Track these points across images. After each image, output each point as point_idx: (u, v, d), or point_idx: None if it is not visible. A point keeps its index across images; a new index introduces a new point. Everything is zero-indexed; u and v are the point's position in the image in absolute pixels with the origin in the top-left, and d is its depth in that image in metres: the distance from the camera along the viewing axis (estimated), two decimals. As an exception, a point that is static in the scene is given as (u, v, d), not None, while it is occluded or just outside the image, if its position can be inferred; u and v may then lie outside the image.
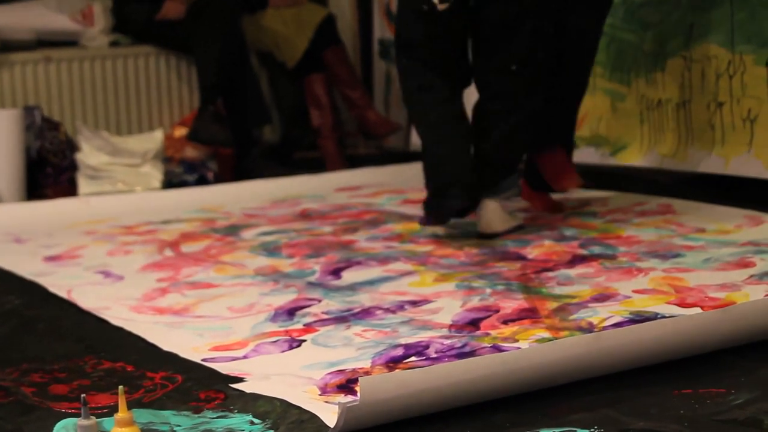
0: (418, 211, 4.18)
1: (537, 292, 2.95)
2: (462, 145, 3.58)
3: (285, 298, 3.04)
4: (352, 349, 2.56)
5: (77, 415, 2.05)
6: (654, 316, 2.63)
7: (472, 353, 2.45)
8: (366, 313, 2.85)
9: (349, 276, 3.26)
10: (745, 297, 2.77)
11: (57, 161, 4.93)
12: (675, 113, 4.24)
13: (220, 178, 5.13)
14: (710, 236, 3.47)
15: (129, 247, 3.80)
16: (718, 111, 4.05)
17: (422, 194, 4.50)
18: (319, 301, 3.00)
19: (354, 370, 2.39)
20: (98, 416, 2.08)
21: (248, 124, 5.36)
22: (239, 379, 2.37)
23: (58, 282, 3.34)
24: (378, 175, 5.04)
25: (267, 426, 2.09)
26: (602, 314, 2.70)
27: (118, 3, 5.45)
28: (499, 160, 3.62)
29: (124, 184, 4.91)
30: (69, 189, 4.90)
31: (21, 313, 3.03)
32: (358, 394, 1.99)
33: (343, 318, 2.82)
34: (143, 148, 4.98)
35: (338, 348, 2.58)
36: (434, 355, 2.47)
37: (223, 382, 2.36)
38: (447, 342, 2.55)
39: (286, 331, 2.73)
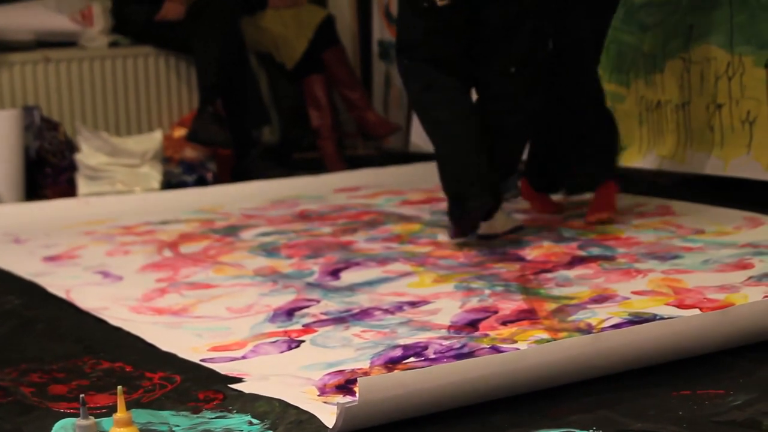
0: (417, 211, 4.19)
1: (536, 293, 2.95)
2: (475, 145, 3.51)
3: (284, 298, 3.04)
4: (350, 349, 2.56)
5: (76, 415, 2.05)
6: (653, 318, 2.63)
7: (470, 354, 2.45)
8: (365, 313, 2.85)
9: (348, 277, 3.26)
10: (744, 298, 2.77)
11: (56, 161, 4.92)
12: (674, 115, 4.24)
13: (219, 179, 5.13)
14: (709, 238, 3.47)
15: (128, 248, 3.80)
16: (718, 112, 4.05)
17: (421, 195, 4.52)
18: (318, 301, 3.00)
19: (353, 371, 2.39)
20: (97, 416, 2.08)
21: (247, 124, 5.36)
22: (238, 380, 2.37)
23: (57, 282, 3.34)
24: (377, 176, 5.04)
25: (266, 426, 2.09)
26: (601, 315, 2.70)
27: (117, 3, 5.45)
28: (499, 161, 3.61)
29: (123, 184, 4.91)
30: (68, 189, 4.90)
31: (20, 314, 3.03)
32: (357, 394, 1.99)
33: (341, 319, 2.82)
34: (142, 148, 4.98)
35: (337, 348, 2.58)
36: (433, 356, 2.47)
37: (221, 382, 2.36)
38: (446, 343, 2.55)
39: (285, 332, 2.73)
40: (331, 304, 2.96)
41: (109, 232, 4.08)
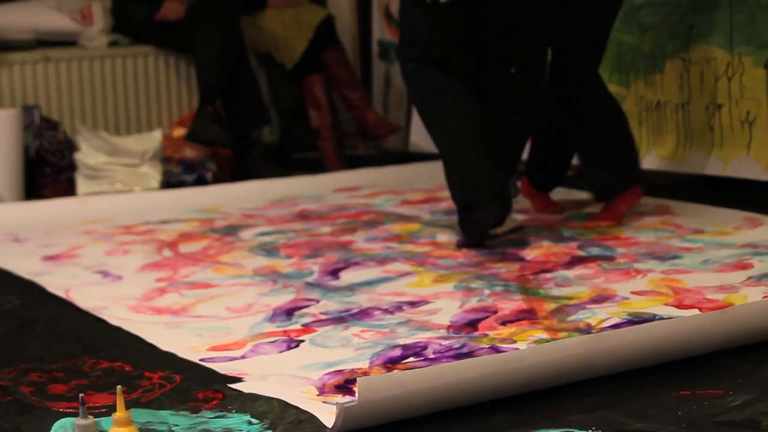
0: (416, 211, 4.19)
1: (535, 293, 2.96)
2: (484, 151, 3.47)
3: (283, 298, 3.04)
4: (350, 349, 2.56)
5: (75, 415, 2.05)
6: (652, 318, 2.63)
7: (470, 354, 2.45)
8: (364, 313, 2.85)
9: (347, 276, 3.26)
10: (743, 299, 2.77)
11: (56, 161, 4.92)
12: (674, 115, 4.25)
13: (219, 179, 5.13)
14: (709, 238, 3.47)
15: (127, 247, 3.80)
16: (717, 113, 4.05)
17: (421, 195, 4.52)
18: (318, 301, 3.00)
19: (352, 371, 2.39)
20: (96, 416, 2.08)
21: (247, 124, 5.36)
22: (237, 379, 2.37)
23: (57, 282, 3.34)
24: (377, 176, 5.04)
25: (265, 426, 2.09)
26: (600, 315, 2.70)
27: (117, 3, 5.45)
28: (498, 160, 3.61)
29: (122, 184, 4.91)
30: (67, 189, 4.90)
31: (20, 313, 3.03)
32: (356, 394, 1.99)
33: (341, 318, 2.82)
34: (142, 148, 4.98)
35: (336, 348, 2.58)
36: (432, 356, 2.47)
37: (221, 382, 2.36)
38: (445, 343, 2.55)
39: (285, 332, 2.74)
40: (331, 304, 2.96)
41: (109, 232, 4.08)
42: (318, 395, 2.25)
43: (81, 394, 2.03)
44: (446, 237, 3.69)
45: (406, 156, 5.50)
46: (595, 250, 3.39)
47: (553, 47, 3.71)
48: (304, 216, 4.23)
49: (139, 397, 2.27)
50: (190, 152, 5.17)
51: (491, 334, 2.62)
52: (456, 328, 2.68)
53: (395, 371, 2.33)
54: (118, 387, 2.00)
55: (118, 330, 2.83)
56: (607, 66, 4.45)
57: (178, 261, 3.56)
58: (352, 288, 3.12)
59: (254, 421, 2.12)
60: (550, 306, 2.81)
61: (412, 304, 2.92)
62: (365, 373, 2.36)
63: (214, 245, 3.77)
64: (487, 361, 2.17)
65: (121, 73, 5.44)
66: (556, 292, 2.96)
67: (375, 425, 2.03)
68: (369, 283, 3.16)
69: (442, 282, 3.13)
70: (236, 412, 2.17)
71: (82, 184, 4.88)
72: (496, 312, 2.79)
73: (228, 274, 3.35)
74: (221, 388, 2.32)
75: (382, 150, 5.79)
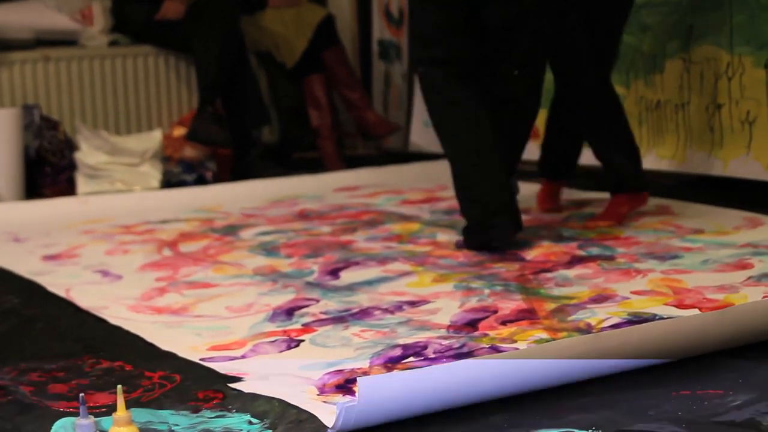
0: (416, 211, 4.19)
1: (535, 293, 2.96)
2: (499, 169, 3.45)
3: (283, 298, 3.04)
4: (350, 349, 2.56)
5: (76, 415, 2.05)
6: (652, 318, 2.63)
7: (470, 354, 2.45)
8: (364, 313, 2.85)
9: (347, 276, 3.26)
10: (744, 298, 2.77)
11: (56, 160, 4.93)
12: (674, 115, 4.25)
13: (219, 178, 5.13)
14: (709, 238, 3.47)
15: (127, 247, 3.80)
16: (717, 113, 4.05)
17: (421, 194, 4.52)
18: (318, 301, 3.00)
19: (352, 370, 2.39)
20: (97, 415, 2.08)
21: (247, 124, 5.36)
22: (237, 379, 2.37)
23: (57, 281, 3.34)
24: (377, 176, 5.04)
25: (265, 426, 2.09)
26: (600, 315, 2.70)
27: (117, 3, 5.45)
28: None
29: (122, 183, 4.91)
30: (67, 188, 4.90)
31: (19, 312, 3.03)
32: (357, 394, 1.99)
33: (341, 318, 2.82)
34: (142, 147, 4.99)
35: (336, 348, 2.58)
36: (432, 356, 2.47)
37: (221, 381, 2.36)
38: (445, 342, 2.55)
39: (285, 331, 2.73)
40: (331, 304, 2.96)
41: (109, 231, 4.08)
42: (318, 395, 2.25)
43: (81, 394, 2.03)
44: (446, 237, 3.69)
45: (406, 156, 5.50)
46: (595, 250, 3.39)
47: (553, 48, 3.70)
48: (304, 216, 4.23)
49: (140, 397, 2.27)
50: (190, 152, 5.17)
51: (491, 333, 2.62)
52: (456, 327, 2.68)
53: (395, 371, 2.33)
54: (119, 386, 2.00)
55: (118, 329, 2.83)
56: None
57: (178, 260, 3.56)
58: (352, 288, 3.12)
59: (254, 420, 2.12)
60: (550, 306, 2.81)
61: (412, 303, 2.92)
62: (365, 373, 2.36)
63: (214, 245, 3.77)
64: (487, 361, 2.17)
65: (121, 72, 5.44)
66: (556, 291, 2.96)
67: (375, 425, 2.03)
68: (369, 283, 3.16)
69: (442, 282, 3.13)
70: (236, 411, 2.17)
71: (82, 184, 4.88)
72: (496, 312, 2.79)
73: (228, 274, 3.35)
74: (221, 387, 2.32)
75: (382, 150, 5.80)
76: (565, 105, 3.81)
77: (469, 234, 3.49)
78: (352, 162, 5.46)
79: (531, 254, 3.39)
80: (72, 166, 4.93)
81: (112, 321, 2.90)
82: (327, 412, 2.11)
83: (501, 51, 3.53)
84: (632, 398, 2.16)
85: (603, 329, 2.58)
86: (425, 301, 2.93)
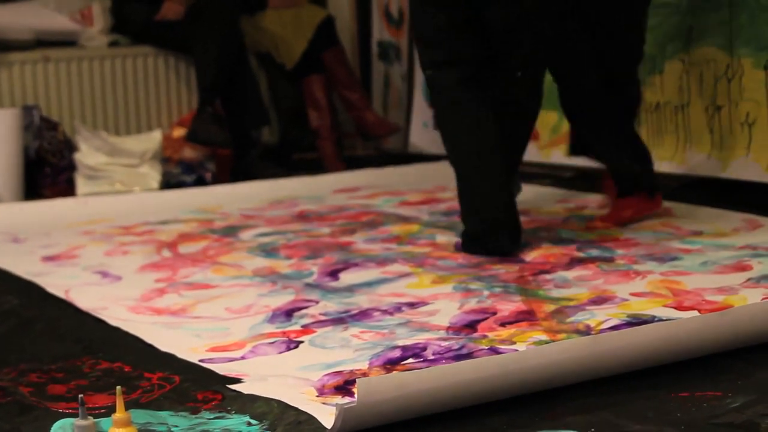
0: (416, 212, 4.19)
1: (534, 294, 2.96)
2: (499, 174, 3.43)
3: (283, 299, 3.04)
4: (349, 350, 2.56)
5: (75, 416, 2.05)
6: (651, 319, 2.63)
7: (469, 355, 2.46)
8: (363, 314, 2.86)
9: (346, 277, 3.26)
10: (743, 300, 2.77)
11: (55, 161, 4.93)
12: (673, 116, 4.25)
13: (218, 179, 5.13)
14: (708, 239, 3.47)
15: (127, 248, 3.80)
16: (717, 114, 4.05)
17: (420, 196, 4.52)
18: (317, 302, 3.00)
19: (351, 372, 2.39)
20: (96, 416, 2.08)
21: (247, 125, 5.36)
22: (237, 380, 2.38)
23: (56, 282, 3.34)
24: (376, 177, 5.04)
25: (264, 427, 2.09)
26: (599, 317, 2.70)
27: (117, 3, 5.45)
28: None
29: (122, 184, 4.91)
30: (67, 189, 4.90)
31: (19, 313, 3.03)
32: (356, 395, 1.99)
33: (340, 319, 2.82)
34: (141, 148, 4.99)
35: (336, 349, 2.58)
36: (432, 357, 2.47)
37: (220, 383, 2.36)
38: (444, 344, 2.55)
39: (284, 333, 2.74)
40: (330, 305, 2.96)
41: (108, 232, 4.08)
42: (317, 396, 2.25)
43: (80, 395, 2.03)
44: (445, 238, 3.69)
45: (406, 157, 5.50)
46: (594, 252, 3.39)
47: (553, 50, 3.68)
48: (303, 217, 4.23)
49: (139, 398, 2.27)
50: (189, 152, 5.17)
51: (490, 335, 2.62)
52: (455, 329, 2.68)
53: (395, 372, 2.33)
54: (118, 388, 2.00)
55: (117, 330, 2.83)
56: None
57: (177, 261, 3.56)
58: (351, 289, 3.12)
59: (253, 422, 2.12)
60: (550, 307, 2.82)
61: (412, 305, 2.92)
62: (365, 374, 2.36)
63: (213, 246, 3.77)
64: (486, 363, 2.17)
65: (121, 73, 5.44)
66: (555, 293, 2.96)
67: (374, 426, 2.03)
68: (368, 284, 3.16)
69: (441, 283, 3.13)
70: (235, 413, 2.17)
71: (81, 185, 4.88)
72: (495, 313, 2.79)
73: (227, 275, 3.35)
74: (220, 389, 2.32)
75: (382, 150, 5.80)
76: (566, 108, 3.79)
77: (468, 240, 3.49)
78: (351, 163, 5.46)
79: (530, 256, 3.39)
80: (71, 167, 4.93)
81: (112, 322, 2.90)
82: (326, 413, 2.11)
83: (502, 53, 3.52)
84: (631, 400, 2.16)
85: (602, 331, 2.58)
86: (424, 303, 2.93)
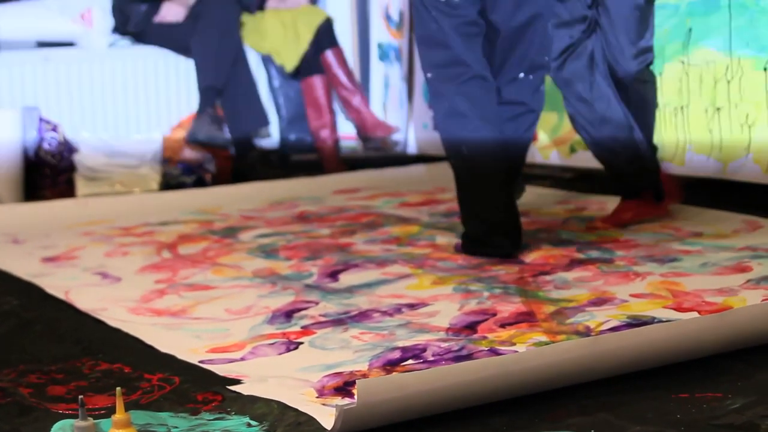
0: (416, 213, 4.19)
1: (534, 295, 2.96)
2: (500, 180, 3.42)
3: (282, 300, 3.04)
4: (349, 351, 2.56)
5: (75, 417, 2.05)
6: (651, 321, 2.63)
7: (469, 356, 2.46)
8: (363, 315, 2.86)
9: (346, 278, 3.26)
10: (743, 302, 2.77)
11: (55, 162, 4.93)
12: (673, 117, 4.25)
13: (218, 180, 5.13)
14: (708, 241, 3.47)
15: (127, 249, 3.80)
16: (717, 116, 4.05)
17: (420, 197, 4.52)
18: (317, 303, 3.00)
19: (351, 373, 2.39)
20: (96, 417, 2.08)
21: (246, 126, 5.36)
22: (236, 381, 2.37)
23: (56, 283, 3.34)
24: (376, 178, 5.04)
25: (264, 428, 2.09)
26: (599, 318, 2.70)
27: (117, 4, 5.45)
28: (506, 160, 3.57)
29: (122, 185, 4.91)
30: (67, 190, 4.90)
31: (18, 314, 3.03)
32: (356, 396, 1.99)
33: (340, 320, 2.82)
34: (141, 149, 4.99)
35: (335, 350, 2.58)
36: (431, 358, 2.47)
37: (220, 384, 2.36)
38: (444, 345, 2.55)
39: (284, 334, 2.74)
40: (330, 306, 2.96)
41: (108, 233, 4.08)
42: (317, 397, 2.25)
43: (80, 396, 2.03)
44: (445, 239, 3.69)
45: (406, 158, 5.50)
46: (594, 253, 3.39)
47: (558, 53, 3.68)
48: (303, 218, 4.23)
49: (139, 399, 2.27)
50: (189, 154, 5.17)
51: (490, 336, 2.62)
52: (455, 330, 2.68)
53: (394, 373, 2.33)
54: (118, 389, 2.00)
55: (117, 331, 2.83)
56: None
57: (177, 263, 3.56)
58: (351, 290, 3.12)
59: (253, 423, 2.12)
60: (549, 309, 2.82)
61: (412, 306, 2.92)
62: (364, 376, 2.36)
63: (213, 247, 3.77)
64: (486, 364, 2.17)
65: (121, 74, 5.44)
66: (555, 294, 2.96)
67: (374, 427, 2.03)
68: (368, 285, 3.16)
69: (441, 284, 3.13)
70: (235, 414, 2.17)
71: (81, 186, 4.88)
72: (495, 314, 2.79)
73: (227, 276, 3.35)
74: (220, 390, 2.32)
75: (381, 152, 5.80)
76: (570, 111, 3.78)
77: (469, 243, 3.48)
78: (351, 164, 5.46)
79: (530, 257, 3.39)
80: (71, 168, 4.93)
81: (111, 323, 2.90)
82: (326, 414, 2.11)
83: (507, 55, 3.50)
84: (631, 401, 2.16)
85: (602, 332, 2.58)
86: (424, 304, 2.93)
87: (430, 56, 3.50)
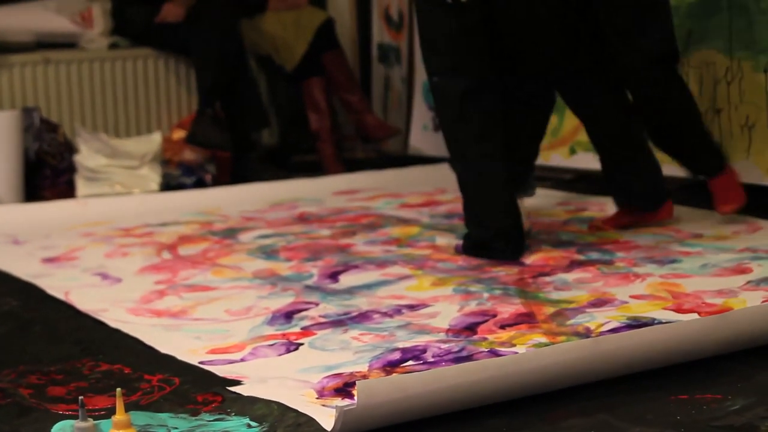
0: (416, 214, 4.19)
1: (534, 296, 2.96)
2: (504, 187, 3.42)
3: (282, 301, 3.04)
4: (349, 352, 2.56)
5: (75, 417, 2.05)
6: (651, 322, 2.63)
7: (469, 357, 2.46)
8: (363, 316, 2.86)
9: (346, 279, 3.26)
10: (742, 303, 2.77)
11: (55, 163, 4.93)
12: (673, 119, 4.24)
13: (218, 181, 5.13)
14: (707, 242, 3.48)
15: (127, 250, 3.80)
16: (717, 117, 4.05)
17: (420, 198, 4.52)
18: (317, 304, 3.00)
19: (351, 374, 2.39)
20: (96, 418, 2.08)
21: (246, 127, 5.36)
22: (236, 382, 2.38)
23: (56, 284, 3.34)
24: (376, 179, 5.04)
25: (264, 429, 2.09)
26: (599, 319, 2.70)
27: (117, 5, 5.45)
28: (516, 151, 3.57)
29: (122, 186, 4.91)
30: (67, 191, 4.90)
31: (18, 315, 3.03)
32: (355, 397, 1.99)
33: (340, 321, 2.82)
34: (141, 150, 4.99)
35: (336, 351, 2.58)
36: (431, 360, 2.47)
37: (220, 384, 2.36)
38: (444, 346, 2.55)
39: (284, 335, 2.74)
40: (330, 307, 2.96)
41: (108, 234, 4.08)
42: (317, 398, 2.25)
43: (80, 397, 2.03)
44: (445, 240, 3.69)
45: (406, 159, 5.50)
46: (594, 254, 3.39)
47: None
48: (303, 219, 4.23)
49: (139, 400, 2.27)
50: (189, 155, 5.17)
51: (490, 337, 2.62)
52: (455, 331, 2.68)
53: (394, 375, 2.33)
54: (118, 389, 2.00)
55: (117, 332, 2.83)
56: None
57: (177, 263, 3.56)
58: (351, 291, 3.13)
59: (253, 424, 2.12)
60: (549, 310, 2.82)
61: (412, 307, 2.92)
62: (364, 377, 2.37)
63: (213, 248, 3.77)
64: (486, 365, 2.17)
65: (121, 75, 5.44)
66: (555, 295, 2.96)
67: (374, 428, 2.04)
68: (368, 287, 3.16)
69: (441, 285, 3.14)
70: (235, 415, 2.17)
71: (81, 186, 4.88)
72: (495, 315, 2.79)
73: (227, 277, 3.35)
74: (220, 390, 2.32)
75: (382, 153, 5.79)
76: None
77: (470, 244, 3.48)
78: (351, 165, 5.46)
79: (530, 258, 3.39)
80: (71, 169, 4.93)
81: (111, 324, 2.90)
82: (326, 415, 2.11)
83: (514, 54, 3.47)
84: (631, 402, 2.16)
85: (602, 333, 2.58)
86: (424, 305, 2.93)
87: (435, 61, 3.47)
